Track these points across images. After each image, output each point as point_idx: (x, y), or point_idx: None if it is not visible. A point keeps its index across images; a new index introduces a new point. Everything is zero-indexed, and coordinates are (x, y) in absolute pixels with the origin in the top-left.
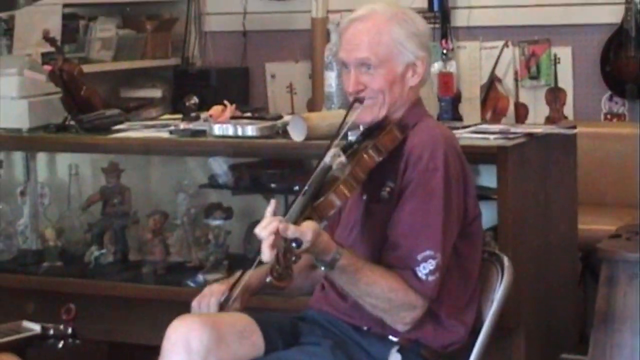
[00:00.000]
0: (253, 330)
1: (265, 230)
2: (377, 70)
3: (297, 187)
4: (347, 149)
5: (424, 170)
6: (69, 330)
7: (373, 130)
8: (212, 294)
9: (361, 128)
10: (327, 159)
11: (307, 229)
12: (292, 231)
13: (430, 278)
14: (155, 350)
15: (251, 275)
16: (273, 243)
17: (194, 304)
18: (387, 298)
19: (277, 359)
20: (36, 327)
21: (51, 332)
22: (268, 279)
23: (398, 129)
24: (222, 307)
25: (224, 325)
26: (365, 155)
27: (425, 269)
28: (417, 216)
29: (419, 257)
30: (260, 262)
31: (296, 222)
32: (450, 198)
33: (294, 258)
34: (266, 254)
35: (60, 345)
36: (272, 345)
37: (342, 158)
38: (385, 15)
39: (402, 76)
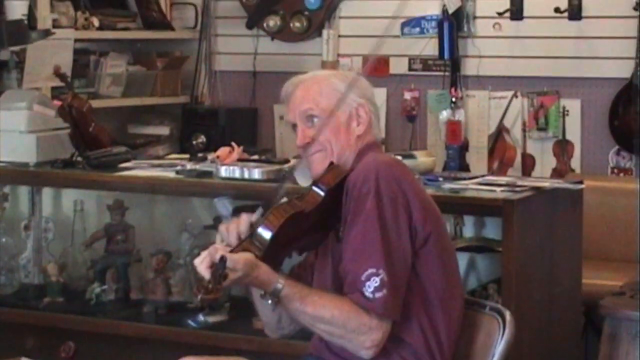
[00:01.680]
0: None
1: (201, 255)
2: (321, 121)
3: None
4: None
5: (357, 197)
6: None
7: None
8: (242, 218)
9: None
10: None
11: (238, 256)
12: (219, 254)
13: (377, 295)
14: None
15: None
16: (208, 265)
17: (222, 228)
18: (340, 323)
19: None
20: None
21: None
22: (199, 297)
23: (341, 167)
24: (253, 226)
25: None
26: (309, 193)
27: (370, 287)
28: (357, 240)
29: (363, 277)
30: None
31: (233, 251)
32: (384, 217)
33: (220, 273)
34: (202, 271)
35: None
36: None
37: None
38: (324, 74)
39: (347, 125)
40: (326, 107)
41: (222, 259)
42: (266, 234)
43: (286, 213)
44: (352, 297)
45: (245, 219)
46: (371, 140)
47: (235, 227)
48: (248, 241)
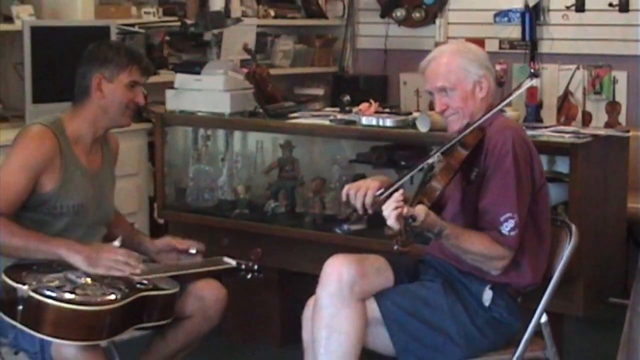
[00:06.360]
0: (386, 267)
1: (390, 206)
2: (453, 92)
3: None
4: (445, 152)
5: (498, 155)
6: (256, 267)
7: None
8: (369, 187)
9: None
10: (430, 160)
11: (420, 210)
12: (409, 211)
13: (512, 233)
14: (314, 278)
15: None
16: (398, 217)
17: (351, 192)
18: (482, 253)
19: (404, 289)
20: (232, 262)
21: (243, 267)
22: (395, 247)
23: (478, 128)
24: (375, 201)
25: (366, 263)
26: (456, 151)
27: (507, 227)
28: (497, 189)
29: (502, 218)
30: (423, 170)
31: (412, 204)
32: (520, 173)
33: (412, 229)
34: (393, 223)
35: (249, 277)
36: (400, 279)
37: (442, 158)
38: (450, 51)
39: (472, 92)
40: (454, 81)
41: (413, 217)
42: (437, 189)
43: (449, 173)
44: (491, 234)
45: (370, 194)
46: (491, 101)
47: (362, 195)
48: (422, 194)
